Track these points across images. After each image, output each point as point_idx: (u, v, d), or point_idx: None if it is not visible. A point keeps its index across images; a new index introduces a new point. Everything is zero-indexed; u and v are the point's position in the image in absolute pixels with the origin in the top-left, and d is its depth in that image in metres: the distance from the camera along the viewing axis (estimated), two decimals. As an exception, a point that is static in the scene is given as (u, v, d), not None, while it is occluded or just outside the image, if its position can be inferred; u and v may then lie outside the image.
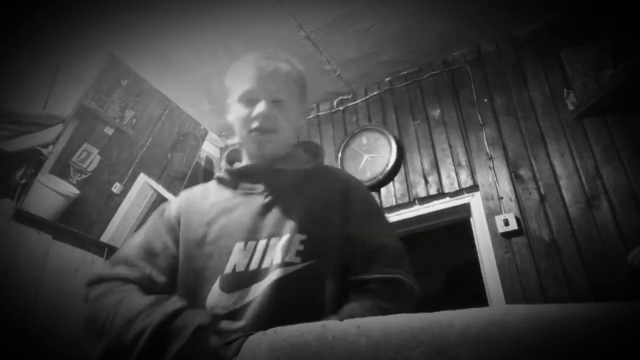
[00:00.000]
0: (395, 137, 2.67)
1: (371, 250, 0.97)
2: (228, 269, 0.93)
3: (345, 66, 2.81)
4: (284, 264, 0.92)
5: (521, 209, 2.22)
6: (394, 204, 2.55)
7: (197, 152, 3.02)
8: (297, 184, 1.04)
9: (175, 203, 1.11)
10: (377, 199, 2.61)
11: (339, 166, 2.78)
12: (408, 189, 2.56)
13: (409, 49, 2.69)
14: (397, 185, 2.60)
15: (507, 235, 2.18)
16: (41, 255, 2.18)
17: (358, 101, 2.97)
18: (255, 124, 1.02)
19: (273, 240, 0.95)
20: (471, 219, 2.39)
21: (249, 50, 2.69)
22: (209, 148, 3.39)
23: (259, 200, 1.01)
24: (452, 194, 2.44)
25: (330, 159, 2.89)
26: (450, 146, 2.53)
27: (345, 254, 0.98)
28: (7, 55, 2.15)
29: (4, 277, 2.00)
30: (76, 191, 2.30)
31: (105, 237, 2.42)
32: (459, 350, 0.56)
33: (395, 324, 0.62)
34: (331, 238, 0.97)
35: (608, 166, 2.10)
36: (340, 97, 3.04)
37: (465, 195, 2.41)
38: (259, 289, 0.91)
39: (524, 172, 2.29)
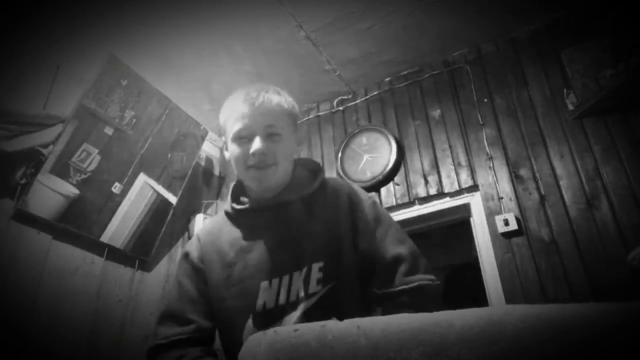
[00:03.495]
0: (395, 137, 2.67)
1: (389, 264, 1.00)
2: (259, 307, 0.98)
3: (345, 66, 2.81)
4: (308, 296, 0.96)
5: (521, 209, 2.22)
6: (394, 204, 2.55)
7: (197, 152, 3.02)
8: (305, 211, 1.05)
9: (194, 245, 1.13)
10: (377, 199, 2.61)
11: (339, 166, 2.78)
12: (408, 189, 2.56)
13: (409, 49, 2.69)
14: (397, 185, 2.60)
15: (507, 235, 2.18)
16: (41, 255, 2.18)
17: (358, 101, 2.97)
18: (252, 161, 1.02)
19: (295, 274, 0.99)
20: (471, 219, 2.39)
21: (248, 50, 2.70)
22: (209, 148, 3.39)
23: (273, 236, 1.03)
24: (452, 194, 2.44)
25: (330, 159, 2.89)
26: (450, 146, 2.53)
27: (364, 268, 1.01)
28: (7, 55, 2.15)
29: (4, 277, 2.00)
30: (76, 191, 2.30)
31: (105, 237, 2.42)
32: (459, 350, 0.56)
33: (395, 324, 0.62)
34: (347, 256, 1.00)
35: (608, 166, 2.10)
36: (340, 97, 3.04)
37: (465, 195, 2.41)
38: (290, 322, 0.95)
39: (524, 172, 2.29)
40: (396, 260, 1.00)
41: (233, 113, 1.06)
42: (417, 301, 0.95)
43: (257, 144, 1.01)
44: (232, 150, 1.06)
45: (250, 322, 0.98)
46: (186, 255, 1.13)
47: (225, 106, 1.10)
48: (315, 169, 1.15)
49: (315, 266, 0.98)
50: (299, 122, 1.15)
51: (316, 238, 1.01)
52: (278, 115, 1.05)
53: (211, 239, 1.11)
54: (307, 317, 0.94)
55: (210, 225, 1.18)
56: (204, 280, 1.07)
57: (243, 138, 1.03)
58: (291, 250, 1.01)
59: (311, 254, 1.00)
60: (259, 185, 1.06)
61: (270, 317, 0.97)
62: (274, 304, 0.98)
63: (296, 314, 0.95)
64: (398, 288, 0.96)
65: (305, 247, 1.01)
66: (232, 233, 1.09)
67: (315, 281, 0.97)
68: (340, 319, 0.91)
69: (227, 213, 1.13)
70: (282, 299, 0.98)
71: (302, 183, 1.10)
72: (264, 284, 0.99)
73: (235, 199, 1.14)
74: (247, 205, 1.10)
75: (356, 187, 1.14)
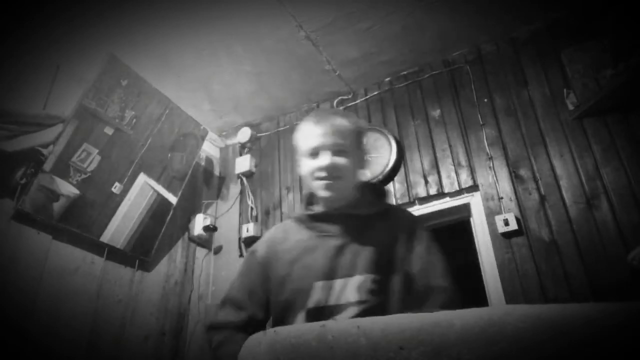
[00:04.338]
0: (395, 137, 2.67)
1: (430, 290, 1.10)
2: (311, 303, 1.11)
3: (345, 66, 2.81)
4: (359, 302, 1.08)
5: (521, 209, 2.22)
6: (394, 204, 2.55)
7: (197, 152, 3.02)
8: (367, 227, 1.19)
9: (262, 244, 1.29)
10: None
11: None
12: (408, 189, 2.56)
13: (409, 48, 2.69)
14: (397, 185, 2.60)
15: (507, 235, 2.18)
16: (41, 255, 2.18)
17: (358, 101, 2.97)
18: (321, 174, 1.17)
19: (349, 280, 1.11)
20: (471, 219, 2.39)
21: (248, 50, 2.71)
22: (209, 148, 3.39)
23: (334, 242, 1.17)
24: (452, 194, 2.44)
25: (330, 159, 2.89)
26: (450, 146, 2.53)
27: (408, 290, 1.11)
28: (7, 55, 2.15)
29: (4, 277, 2.00)
30: (76, 191, 2.30)
31: (105, 237, 2.42)
32: (459, 350, 0.56)
33: (395, 324, 0.62)
34: (398, 276, 1.12)
35: (608, 166, 2.10)
36: (340, 97, 3.04)
37: (465, 195, 2.41)
38: None
39: (524, 172, 2.29)
40: (438, 290, 1.10)
41: (305, 133, 1.23)
42: None
43: (324, 159, 1.16)
44: (304, 165, 1.22)
45: (301, 317, 1.10)
46: (253, 252, 1.28)
47: (300, 128, 1.27)
48: (383, 194, 1.31)
49: (369, 277, 1.10)
50: (364, 139, 1.30)
51: (374, 252, 1.13)
52: (344, 134, 1.20)
53: (279, 239, 1.26)
54: None
55: (279, 228, 1.33)
56: (265, 276, 1.21)
57: (313, 154, 1.19)
58: (349, 258, 1.13)
59: (367, 265, 1.11)
60: (326, 196, 1.19)
61: (321, 315, 1.07)
62: (324, 304, 1.09)
63: (345, 316, 1.05)
64: None
65: (362, 258, 1.12)
66: (299, 235, 1.23)
67: (366, 291, 1.08)
68: None
69: (296, 218, 1.28)
70: (333, 300, 1.09)
71: (369, 202, 1.25)
72: (319, 283, 1.11)
73: (306, 206, 1.29)
74: (317, 212, 1.25)
75: (418, 218, 1.30)
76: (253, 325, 1.16)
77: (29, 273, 2.11)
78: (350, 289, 1.09)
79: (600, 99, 2.14)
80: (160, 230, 2.72)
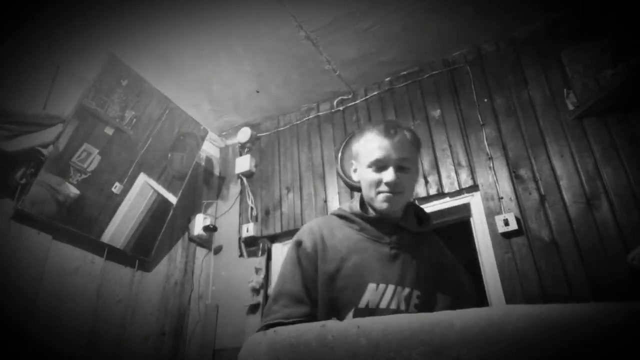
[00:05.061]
0: (395, 137, 2.67)
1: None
2: (362, 304, 1.10)
3: (345, 66, 2.81)
4: (404, 313, 1.09)
5: (521, 209, 2.22)
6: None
7: (197, 152, 3.02)
8: (414, 244, 1.23)
9: (308, 236, 1.22)
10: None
11: (339, 166, 2.78)
12: (408, 189, 2.56)
13: (409, 49, 2.69)
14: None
15: (507, 235, 2.18)
16: (41, 255, 2.18)
17: (358, 101, 2.97)
18: (384, 188, 1.18)
19: (398, 288, 1.14)
20: (471, 219, 2.38)
21: (248, 50, 2.72)
22: (209, 148, 3.39)
23: (386, 249, 1.18)
24: (452, 194, 2.44)
25: (330, 159, 2.89)
26: (450, 146, 2.53)
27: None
28: (7, 55, 2.15)
29: (4, 277, 2.00)
30: (76, 191, 2.30)
31: (105, 237, 2.42)
32: (459, 350, 0.56)
33: (395, 324, 0.62)
34: (440, 297, 1.17)
35: (608, 166, 2.10)
36: (340, 97, 3.04)
37: (465, 195, 2.41)
38: None
39: (524, 172, 2.29)
40: None
41: (371, 143, 1.21)
42: None
43: (390, 174, 1.17)
44: (365, 175, 1.21)
45: (351, 315, 1.09)
46: (299, 243, 1.21)
47: (364, 136, 1.25)
48: (426, 218, 1.32)
49: (415, 292, 1.14)
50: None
51: (421, 269, 1.17)
52: (409, 149, 1.21)
53: (327, 233, 1.22)
54: None
55: (322, 221, 1.29)
56: (315, 269, 1.16)
57: (377, 166, 1.19)
58: (400, 268, 1.16)
59: (414, 280, 1.15)
60: (385, 208, 1.19)
61: (370, 315, 1.07)
62: (376, 305, 1.10)
63: None
64: None
65: (411, 272, 1.16)
66: (344, 233, 1.22)
67: (413, 305, 1.12)
68: None
69: (341, 216, 1.27)
70: (384, 303, 1.11)
71: (413, 222, 1.27)
72: (372, 285, 1.12)
73: (361, 208, 1.28)
74: (375, 216, 1.23)
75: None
76: (311, 317, 1.10)
77: (29, 273, 2.11)
78: (399, 297, 1.12)
79: (600, 99, 2.14)
80: (160, 230, 2.72)
